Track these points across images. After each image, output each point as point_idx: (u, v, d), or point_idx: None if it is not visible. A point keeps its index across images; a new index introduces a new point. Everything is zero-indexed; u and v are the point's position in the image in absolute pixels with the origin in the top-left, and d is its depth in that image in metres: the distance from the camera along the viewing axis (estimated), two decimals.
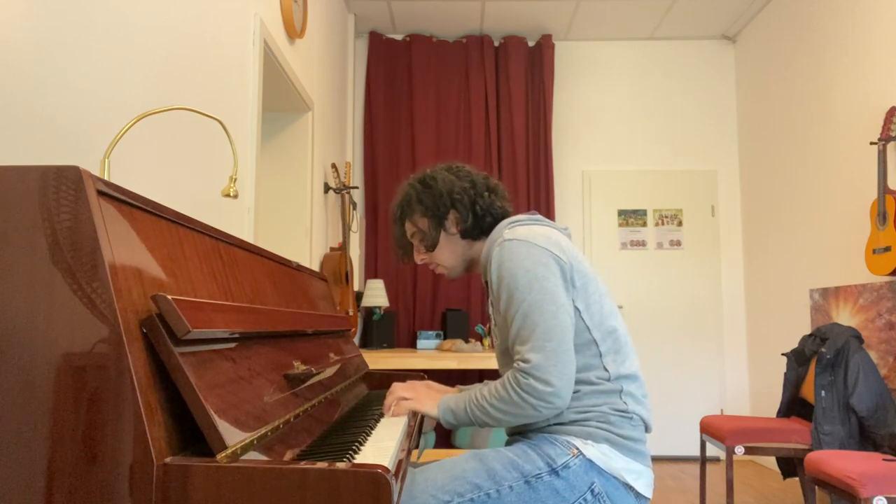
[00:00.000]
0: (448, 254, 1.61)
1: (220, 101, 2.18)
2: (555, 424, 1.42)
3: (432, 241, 1.59)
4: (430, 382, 1.67)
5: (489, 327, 1.69)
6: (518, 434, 1.51)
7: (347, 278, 3.78)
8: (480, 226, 1.57)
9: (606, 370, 1.42)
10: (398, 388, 1.53)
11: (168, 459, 0.78)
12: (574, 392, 1.40)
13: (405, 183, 1.65)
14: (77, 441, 0.77)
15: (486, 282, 1.59)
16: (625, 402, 1.41)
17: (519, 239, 1.43)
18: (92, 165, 1.40)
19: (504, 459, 1.37)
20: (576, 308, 1.42)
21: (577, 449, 1.36)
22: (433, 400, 1.49)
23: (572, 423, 1.40)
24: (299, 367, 1.24)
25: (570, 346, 1.35)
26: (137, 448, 0.77)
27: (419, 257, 1.65)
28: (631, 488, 1.37)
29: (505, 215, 1.60)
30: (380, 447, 1.15)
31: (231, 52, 2.27)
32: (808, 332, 3.98)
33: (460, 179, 1.58)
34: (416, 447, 1.64)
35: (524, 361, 1.34)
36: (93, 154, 1.41)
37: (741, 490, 3.84)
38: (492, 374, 4.60)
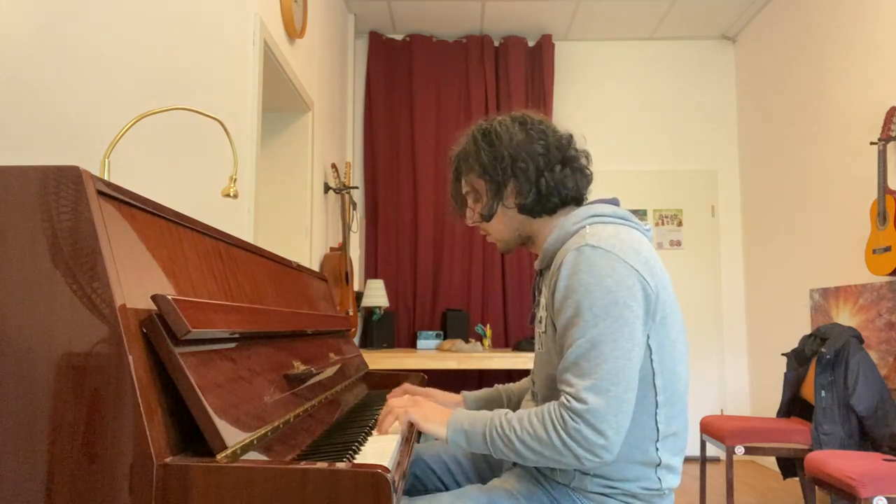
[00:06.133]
0: (502, 227, 1.40)
1: (220, 101, 2.17)
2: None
3: (488, 211, 1.37)
4: (433, 391, 1.57)
5: (531, 316, 1.49)
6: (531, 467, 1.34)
7: (347, 278, 3.78)
8: (543, 205, 1.34)
9: (657, 427, 1.24)
10: (400, 406, 1.32)
11: (168, 459, 0.78)
12: None
13: (468, 132, 1.42)
14: (77, 441, 0.77)
15: (540, 271, 1.40)
16: (659, 479, 1.24)
17: (604, 248, 1.19)
18: (92, 165, 1.40)
19: None
20: (647, 346, 1.21)
21: None
22: (441, 416, 1.28)
23: (595, 493, 1.25)
24: (299, 367, 1.24)
25: (634, 395, 1.16)
26: (137, 448, 0.77)
27: (470, 221, 1.44)
28: None
29: (577, 197, 1.36)
30: (380, 447, 1.15)
31: (231, 53, 2.27)
32: (808, 332, 3.98)
33: (532, 141, 1.33)
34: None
35: (578, 400, 1.13)
36: (93, 154, 1.41)
37: (741, 490, 3.83)
38: (491, 375, 4.59)
